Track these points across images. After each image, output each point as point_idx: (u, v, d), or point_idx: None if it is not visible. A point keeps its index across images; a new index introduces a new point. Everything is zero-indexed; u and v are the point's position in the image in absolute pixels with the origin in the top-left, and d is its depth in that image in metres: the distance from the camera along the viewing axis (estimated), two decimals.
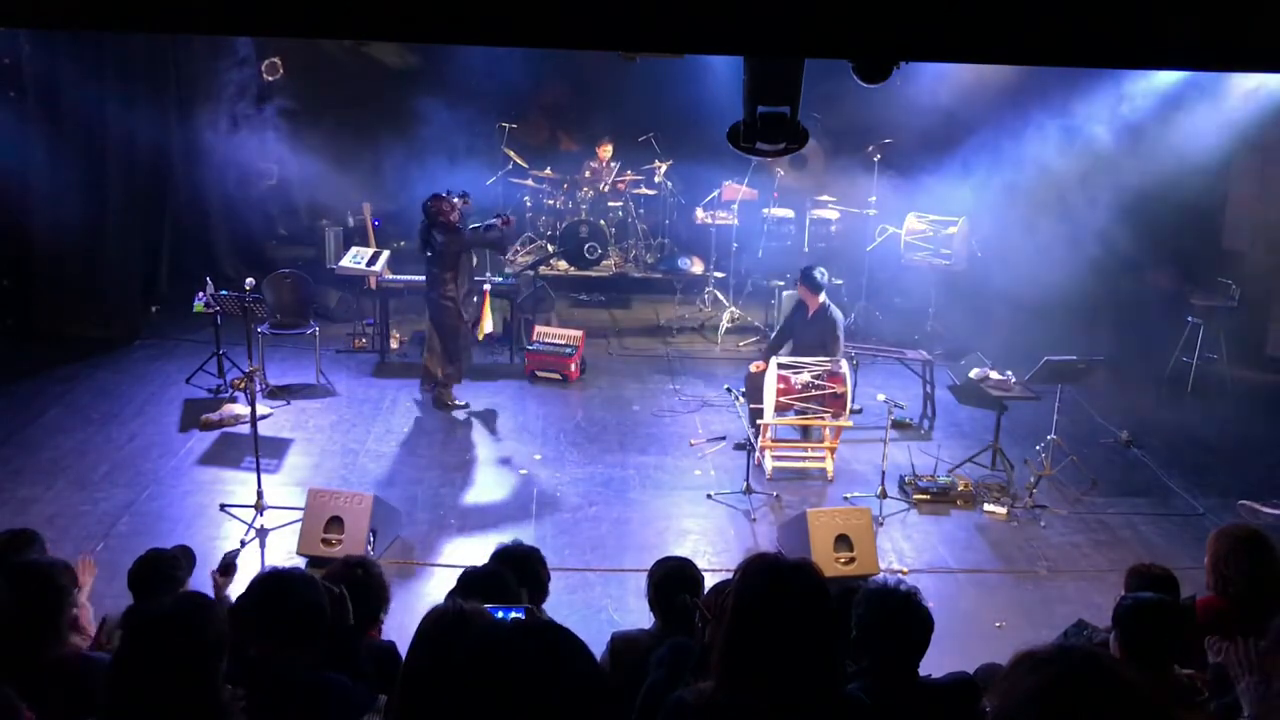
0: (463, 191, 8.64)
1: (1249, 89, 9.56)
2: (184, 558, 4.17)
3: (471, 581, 3.61)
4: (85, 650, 3.67)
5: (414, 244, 8.77)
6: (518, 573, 3.82)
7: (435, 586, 5.80)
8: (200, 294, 8.73)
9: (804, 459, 7.99)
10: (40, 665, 3.15)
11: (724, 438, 8.10)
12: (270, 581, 3.18)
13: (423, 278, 8.72)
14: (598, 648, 3.74)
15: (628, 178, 12.18)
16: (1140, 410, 9.32)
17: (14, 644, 3.16)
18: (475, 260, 9.51)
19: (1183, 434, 8.94)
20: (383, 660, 3.57)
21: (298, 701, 2.91)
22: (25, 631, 3.20)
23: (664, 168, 12.10)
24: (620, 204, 12.28)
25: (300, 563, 5.92)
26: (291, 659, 3.00)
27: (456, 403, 8.72)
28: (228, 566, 4.36)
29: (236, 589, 3.89)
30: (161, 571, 3.98)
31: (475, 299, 9.08)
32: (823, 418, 7.81)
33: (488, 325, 9.43)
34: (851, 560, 6.13)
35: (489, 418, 8.68)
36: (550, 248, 11.97)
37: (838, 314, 8.20)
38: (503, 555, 4.02)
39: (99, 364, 9.44)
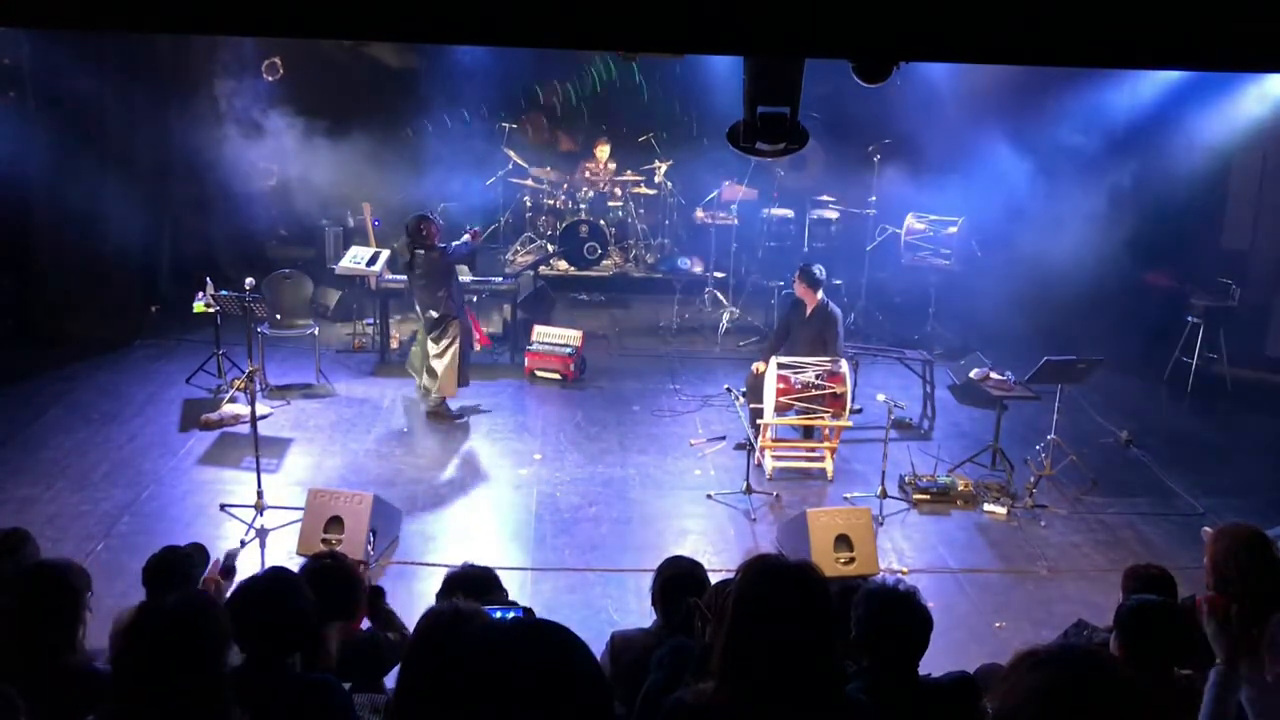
0: (442, 206, 8.62)
1: (1250, 89, 9.57)
2: (198, 554, 4.18)
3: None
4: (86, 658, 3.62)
5: (400, 261, 8.67)
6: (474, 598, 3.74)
7: (435, 586, 5.75)
8: (200, 294, 8.73)
9: (804, 459, 8.00)
10: (50, 672, 3.07)
11: (724, 438, 8.10)
12: (247, 588, 3.16)
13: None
14: (597, 648, 3.74)
15: (627, 177, 12.18)
16: (1140, 410, 9.32)
17: (26, 650, 3.08)
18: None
19: (1183, 434, 8.94)
20: (361, 653, 3.49)
21: (299, 702, 2.91)
22: (39, 637, 3.11)
23: (664, 168, 12.10)
24: (620, 204, 12.27)
25: (300, 563, 5.90)
26: (280, 661, 2.99)
27: (453, 417, 8.58)
28: (229, 570, 4.34)
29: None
30: (176, 568, 3.98)
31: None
32: (823, 418, 7.80)
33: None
34: (851, 560, 6.13)
35: (489, 418, 8.68)
36: (550, 248, 11.97)
37: (836, 311, 8.19)
38: (453, 582, 3.76)
39: (99, 364, 9.44)
